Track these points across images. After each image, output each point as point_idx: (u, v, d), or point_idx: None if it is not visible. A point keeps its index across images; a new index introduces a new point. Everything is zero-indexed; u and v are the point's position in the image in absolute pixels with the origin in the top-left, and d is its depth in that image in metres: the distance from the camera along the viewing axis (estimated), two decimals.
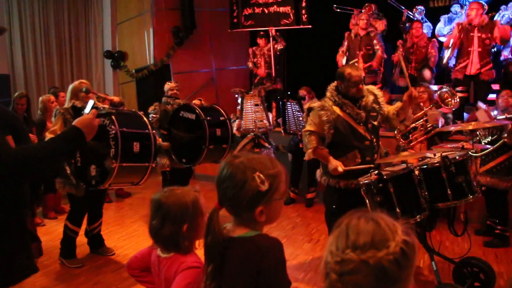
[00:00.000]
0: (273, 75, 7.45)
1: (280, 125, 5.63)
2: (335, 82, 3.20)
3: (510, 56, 6.32)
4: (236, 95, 5.55)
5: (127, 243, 4.39)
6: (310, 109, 3.21)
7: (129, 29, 8.82)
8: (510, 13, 6.49)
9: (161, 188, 5.25)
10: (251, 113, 5.44)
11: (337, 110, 3.10)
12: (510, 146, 4.05)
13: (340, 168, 2.94)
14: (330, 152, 3.11)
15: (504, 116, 3.97)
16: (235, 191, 1.26)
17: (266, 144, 5.56)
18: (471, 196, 2.87)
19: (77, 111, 3.62)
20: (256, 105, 5.39)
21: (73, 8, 9.02)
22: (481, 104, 4.33)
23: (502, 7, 6.76)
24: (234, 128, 5.43)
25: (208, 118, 4.39)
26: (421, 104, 4.52)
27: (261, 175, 1.26)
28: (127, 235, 4.64)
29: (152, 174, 3.70)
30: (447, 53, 6.01)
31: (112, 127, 3.28)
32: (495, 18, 6.18)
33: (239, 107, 5.49)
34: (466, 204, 3.04)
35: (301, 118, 5.02)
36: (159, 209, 1.59)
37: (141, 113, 3.77)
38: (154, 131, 3.62)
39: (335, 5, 7.59)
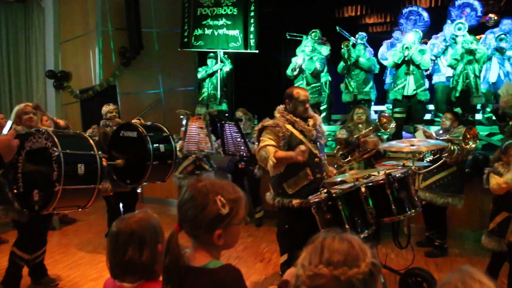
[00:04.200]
0: (219, 96, 7.51)
1: (219, 146, 5.69)
2: (282, 105, 3.34)
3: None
4: (181, 116, 5.56)
5: (73, 272, 4.19)
6: (262, 129, 3.28)
7: (73, 48, 8.56)
8: (439, 42, 7.07)
9: (107, 214, 5.10)
10: (195, 136, 5.47)
11: (290, 127, 3.21)
12: (449, 165, 4.36)
13: (303, 147, 3.00)
14: (282, 172, 3.19)
15: (445, 137, 4.27)
16: (196, 213, 1.29)
17: (207, 167, 5.63)
18: (414, 210, 3.05)
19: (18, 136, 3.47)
20: (200, 128, 5.44)
21: (11, 24, 8.66)
22: (419, 126, 4.66)
23: (434, 36, 7.36)
24: (177, 149, 5.42)
25: (150, 134, 4.33)
26: (360, 125, 4.78)
27: (222, 199, 1.30)
28: (73, 263, 4.43)
29: (98, 199, 3.59)
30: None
31: (55, 149, 3.16)
32: (427, 45, 6.70)
33: (183, 129, 5.51)
34: (408, 217, 3.23)
35: (239, 139, 5.11)
36: (133, 237, 1.53)
37: (86, 134, 3.68)
38: (99, 152, 3.53)
39: (287, 33, 7.87)
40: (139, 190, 6.24)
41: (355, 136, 4.59)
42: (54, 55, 8.69)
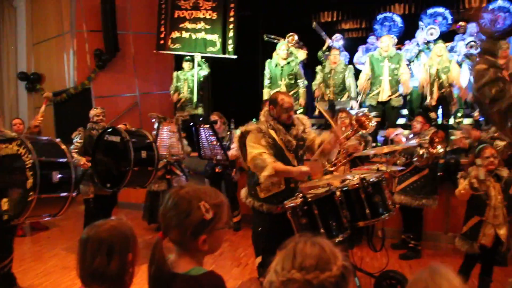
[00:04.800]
0: (195, 100, 7.46)
1: (195, 150, 5.67)
2: (265, 107, 3.32)
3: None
4: (153, 120, 5.52)
5: (45, 280, 4.07)
6: (245, 133, 3.25)
7: (47, 50, 8.39)
8: (413, 47, 7.24)
9: (84, 218, 5.02)
10: (166, 140, 5.45)
11: (273, 134, 3.20)
12: (422, 168, 4.47)
13: (304, 168, 3.00)
14: (255, 176, 3.18)
15: (414, 141, 4.37)
16: (180, 220, 1.31)
17: (178, 172, 5.59)
18: (387, 214, 3.08)
19: None
20: (172, 132, 5.42)
21: None
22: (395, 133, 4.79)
23: (406, 42, 7.53)
24: None
25: (133, 140, 4.31)
26: (343, 128, 4.82)
27: (206, 204, 1.32)
28: (45, 271, 4.31)
29: (71, 205, 3.52)
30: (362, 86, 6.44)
31: (29, 156, 3.09)
32: (401, 51, 6.83)
33: (154, 132, 5.48)
34: (383, 221, 3.27)
35: (214, 143, 5.09)
36: (101, 245, 1.49)
37: (58, 140, 3.59)
38: (74, 158, 3.47)
39: (265, 34, 7.88)
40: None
41: None
42: (26, 56, 8.50)
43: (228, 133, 5.78)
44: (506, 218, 3.39)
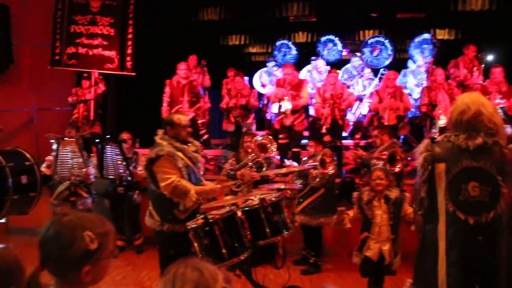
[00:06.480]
0: (91, 118, 7.12)
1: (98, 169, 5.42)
2: (161, 130, 3.32)
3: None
4: (52, 141, 5.17)
5: None
6: (154, 159, 3.17)
7: None
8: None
9: None
10: (68, 160, 5.15)
11: (181, 155, 3.21)
12: (317, 188, 4.76)
13: (219, 185, 3.14)
14: (171, 201, 3.20)
15: (309, 165, 4.68)
16: (62, 251, 1.24)
17: (84, 193, 5.31)
18: (287, 232, 3.22)
19: None
20: (74, 152, 5.14)
21: None
22: (286, 162, 5.12)
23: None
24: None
25: (10, 164, 3.70)
26: (249, 150, 4.97)
27: (91, 234, 1.26)
28: None
29: None
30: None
31: None
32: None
33: (54, 153, 5.13)
34: (284, 239, 3.41)
35: (119, 162, 4.93)
36: None
37: None
38: None
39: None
40: (3, 220, 5.60)
41: (235, 167, 4.73)
42: None
43: (135, 155, 5.61)
44: (390, 236, 3.74)
